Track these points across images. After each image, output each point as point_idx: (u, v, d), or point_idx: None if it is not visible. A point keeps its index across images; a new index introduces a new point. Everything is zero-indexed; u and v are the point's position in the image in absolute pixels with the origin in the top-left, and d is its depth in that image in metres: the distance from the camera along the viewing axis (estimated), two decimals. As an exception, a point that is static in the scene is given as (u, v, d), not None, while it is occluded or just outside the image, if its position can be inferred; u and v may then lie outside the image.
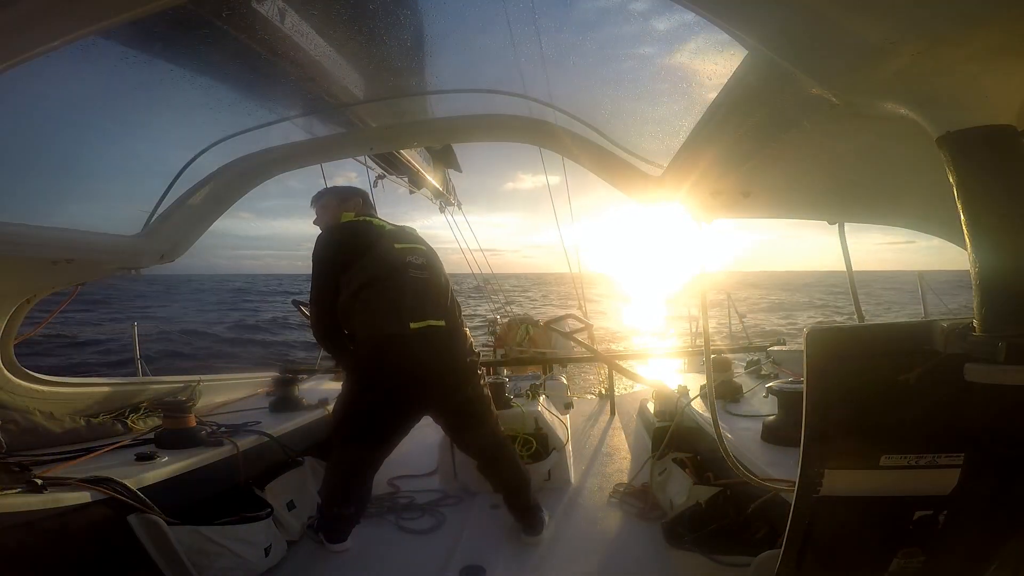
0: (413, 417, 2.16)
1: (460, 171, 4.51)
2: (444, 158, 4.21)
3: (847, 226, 2.21)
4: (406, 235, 2.20)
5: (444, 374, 2.06)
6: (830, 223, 2.38)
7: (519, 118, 2.24)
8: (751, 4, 0.89)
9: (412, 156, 3.52)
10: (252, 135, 2.18)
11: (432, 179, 4.18)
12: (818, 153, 1.38)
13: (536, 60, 1.80)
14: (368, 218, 2.21)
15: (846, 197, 1.91)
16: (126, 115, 1.89)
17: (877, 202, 1.97)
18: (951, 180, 0.90)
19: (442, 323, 2.06)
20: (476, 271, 6.60)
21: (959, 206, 0.89)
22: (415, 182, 3.99)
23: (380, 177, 3.73)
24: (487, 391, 2.25)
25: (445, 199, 5.09)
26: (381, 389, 2.02)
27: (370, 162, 3.44)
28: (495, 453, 2.24)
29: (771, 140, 1.30)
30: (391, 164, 3.45)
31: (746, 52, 1.07)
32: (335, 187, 2.33)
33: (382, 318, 1.98)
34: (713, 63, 1.25)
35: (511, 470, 2.25)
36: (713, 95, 1.30)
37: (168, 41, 1.49)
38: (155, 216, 2.28)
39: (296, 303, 3.38)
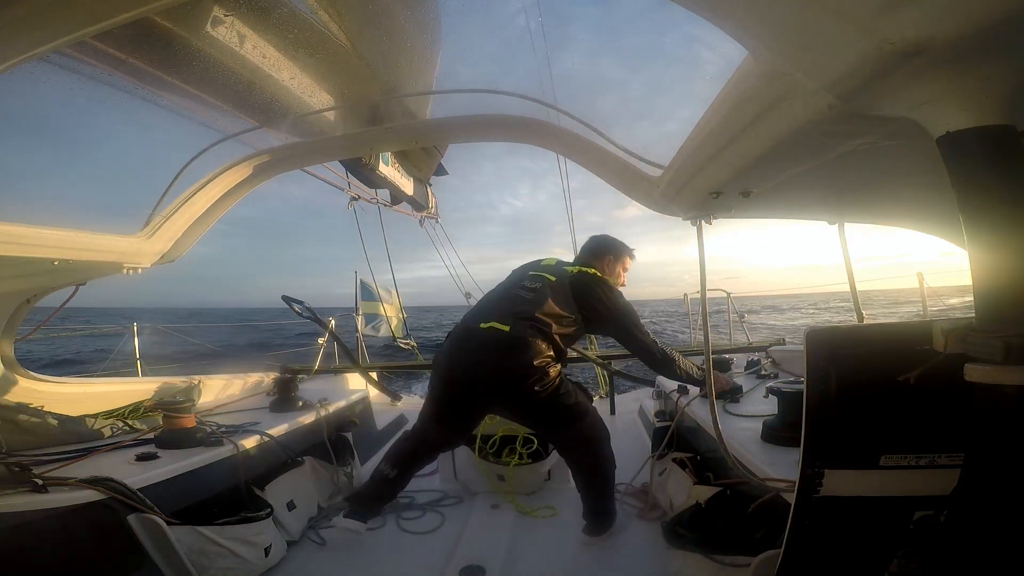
0: (466, 405, 2.26)
1: (447, 173, 4.42)
2: (427, 162, 4.09)
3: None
4: (543, 266, 2.52)
5: (493, 371, 2.13)
6: (830, 223, 2.38)
7: (519, 118, 2.24)
8: (751, 5, 0.89)
9: (390, 172, 3.37)
10: (252, 136, 2.19)
11: (413, 192, 4.06)
12: (818, 153, 1.38)
13: (536, 61, 1.81)
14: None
15: (846, 197, 1.91)
16: (126, 114, 1.89)
17: (877, 202, 1.97)
18: (950, 180, 0.90)
19: (506, 328, 2.14)
20: (461, 287, 6.66)
21: (959, 206, 0.89)
22: (395, 197, 3.89)
23: (354, 199, 3.73)
24: (570, 399, 2.20)
25: (427, 213, 4.95)
26: (438, 372, 2.28)
27: (345, 184, 3.42)
28: (575, 455, 2.32)
29: (771, 140, 1.30)
30: (369, 180, 3.31)
31: (746, 53, 1.07)
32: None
33: (472, 314, 2.32)
34: (713, 64, 1.25)
35: (586, 470, 2.29)
36: (713, 95, 1.30)
37: (162, 48, 1.49)
38: (155, 216, 2.28)
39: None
